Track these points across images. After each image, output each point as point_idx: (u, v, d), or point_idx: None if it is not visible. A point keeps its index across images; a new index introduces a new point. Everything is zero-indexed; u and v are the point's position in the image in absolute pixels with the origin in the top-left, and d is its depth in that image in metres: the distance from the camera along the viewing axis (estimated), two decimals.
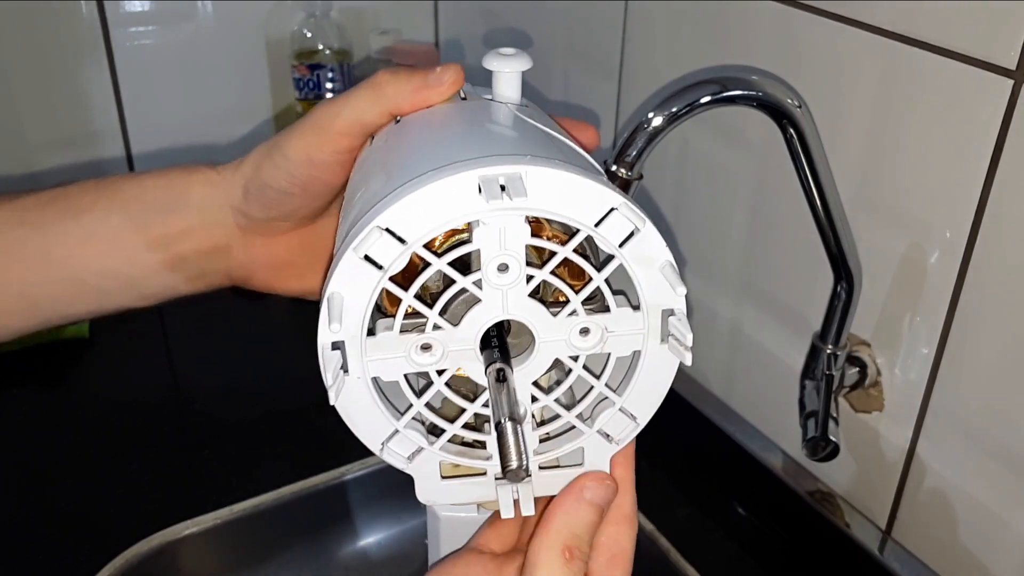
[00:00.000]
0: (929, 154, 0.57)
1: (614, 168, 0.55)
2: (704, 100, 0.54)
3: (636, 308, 0.34)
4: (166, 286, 0.46)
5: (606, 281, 0.33)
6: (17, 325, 0.46)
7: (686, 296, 0.34)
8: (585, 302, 0.34)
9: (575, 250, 0.33)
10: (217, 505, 0.71)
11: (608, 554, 0.38)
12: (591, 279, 0.33)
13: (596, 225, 0.32)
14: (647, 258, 0.33)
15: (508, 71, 0.40)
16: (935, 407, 0.61)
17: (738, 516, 0.74)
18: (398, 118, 0.40)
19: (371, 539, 0.77)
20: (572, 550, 0.35)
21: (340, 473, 0.74)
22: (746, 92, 0.55)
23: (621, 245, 0.33)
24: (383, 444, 0.36)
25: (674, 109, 0.54)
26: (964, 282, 0.57)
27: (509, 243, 0.32)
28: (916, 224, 0.59)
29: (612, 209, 0.32)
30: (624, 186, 0.55)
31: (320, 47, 1.03)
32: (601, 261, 0.34)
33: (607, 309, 0.34)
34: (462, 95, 0.40)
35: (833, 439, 0.63)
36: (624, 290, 0.35)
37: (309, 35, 1.03)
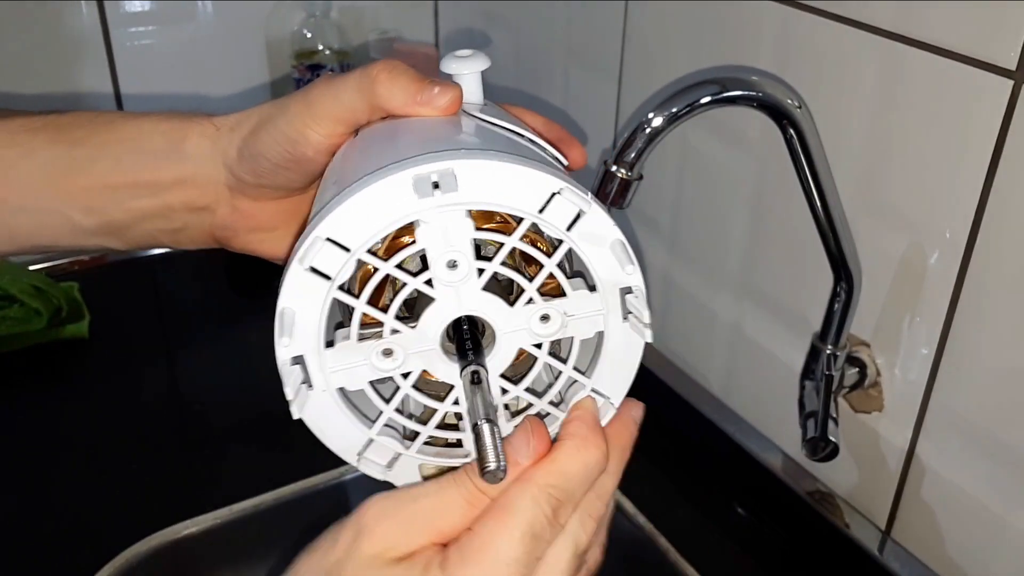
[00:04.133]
0: (929, 154, 0.57)
1: (614, 168, 0.55)
2: (704, 100, 0.54)
3: (594, 289, 0.34)
4: (148, 234, 0.45)
5: (564, 263, 0.34)
6: None
7: (642, 272, 0.34)
8: (547, 288, 0.34)
9: (527, 238, 0.33)
10: (217, 505, 0.71)
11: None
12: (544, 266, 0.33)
13: (540, 211, 0.32)
14: (596, 238, 0.33)
15: (466, 72, 0.40)
16: (935, 407, 0.61)
17: (738, 516, 0.74)
18: (356, 130, 0.40)
19: None
20: (558, 509, 0.33)
21: (340, 473, 0.74)
22: (746, 92, 0.55)
23: (568, 228, 0.33)
24: (359, 455, 0.36)
25: (674, 109, 0.54)
26: (964, 282, 0.57)
27: (453, 239, 0.32)
28: (916, 224, 0.59)
29: (554, 194, 0.32)
30: (624, 186, 0.55)
31: (320, 47, 1.03)
32: (555, 246, 0.34)
33: (565, 293, 0.34)
34: None
35: (833, 439, 0.63)
36: (582, 272, 0.35)
37: (309, 35, 1.03)
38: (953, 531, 0.62)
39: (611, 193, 0.55)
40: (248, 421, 0.81)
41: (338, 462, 0.73)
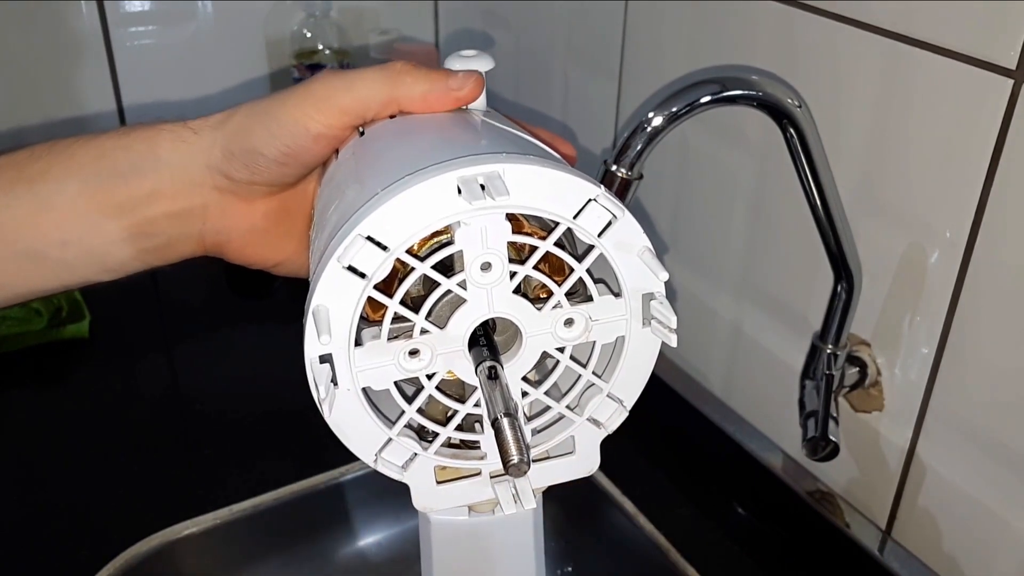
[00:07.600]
0: (929, 154, 0.57)
1: (614, 168, 0.55)
2: (704, 100, 0.54)
3: (617, 295, 0.34)
4: (133, 256, 0.43)
5: (587, 271, 0.34)
6: None
7: (667, 280, 0.34)
8: (567, 294, 0.34)
9: (554, 243, 0.33)
10: (217, 505, 0.71)
11: None
12: (572, 270, 0.33)
13: (574, 217, 0.33)
14: (626, 245, 0.34)
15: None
16: (935, 407, 0.61)
17: (738, 516, 0.74)
18: (362, 130, 0.40)
19: (370, 539, 0.77)
20: None
21: (339, 473, 0.74)
22: (746, 92, 0.55)
23: (600, 235, 0.33)
24: (377, 455, 0.36)
25: (674, 109, 0.54)
26: (964, 282, 0.57)
27: (491, 241, 0.32)
28: (916, 224, 0.59)
29: (590, 200, 0.33)
30: (624, 186, 0.55)
31: (320, 47, 1.03)
32: (579, 251, 0.34)
33: (589, 298, 0.34)
34: None
35: (833, 439, 0.63)
36: (603, 278, 0.35)
37: (309, 35, 1.03)
38: (953, 531, 0.62)
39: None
40: (248, 421, 0.81)
41: (338, 462, 0.74)
